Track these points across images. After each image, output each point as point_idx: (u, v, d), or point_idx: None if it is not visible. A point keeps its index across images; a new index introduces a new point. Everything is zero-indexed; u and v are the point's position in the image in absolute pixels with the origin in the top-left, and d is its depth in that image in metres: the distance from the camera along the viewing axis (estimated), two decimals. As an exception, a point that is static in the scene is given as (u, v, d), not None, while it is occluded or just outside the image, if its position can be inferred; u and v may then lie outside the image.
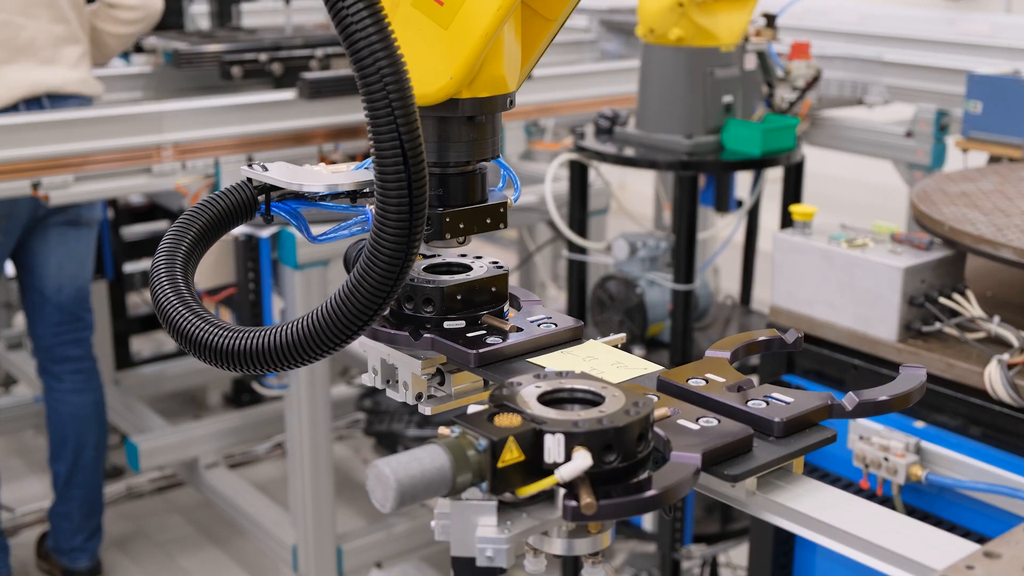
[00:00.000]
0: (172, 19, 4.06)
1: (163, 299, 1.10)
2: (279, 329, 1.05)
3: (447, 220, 1.21)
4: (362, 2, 0.94)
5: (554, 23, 1.22)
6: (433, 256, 1.30)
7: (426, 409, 1.24)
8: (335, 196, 1.19)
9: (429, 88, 1.14)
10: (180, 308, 1.09)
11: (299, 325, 1.04)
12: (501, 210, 1.26)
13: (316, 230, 1.24)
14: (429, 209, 1.14)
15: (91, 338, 3.58)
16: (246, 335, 1.05)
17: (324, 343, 1.04)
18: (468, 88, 1.16)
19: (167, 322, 1.09)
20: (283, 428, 3.59)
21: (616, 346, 1.29)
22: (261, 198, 1.19)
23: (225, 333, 1.06)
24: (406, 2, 1.12)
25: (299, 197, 1.19)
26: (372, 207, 1.08)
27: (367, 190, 1.20)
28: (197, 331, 1.07)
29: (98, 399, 3.58)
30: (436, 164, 1.20)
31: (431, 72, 1.13)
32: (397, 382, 1.25)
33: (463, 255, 1.30)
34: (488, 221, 1.24)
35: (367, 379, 1.27)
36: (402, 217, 0.99)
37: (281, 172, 1.18)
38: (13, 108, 3.10)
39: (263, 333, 1.05)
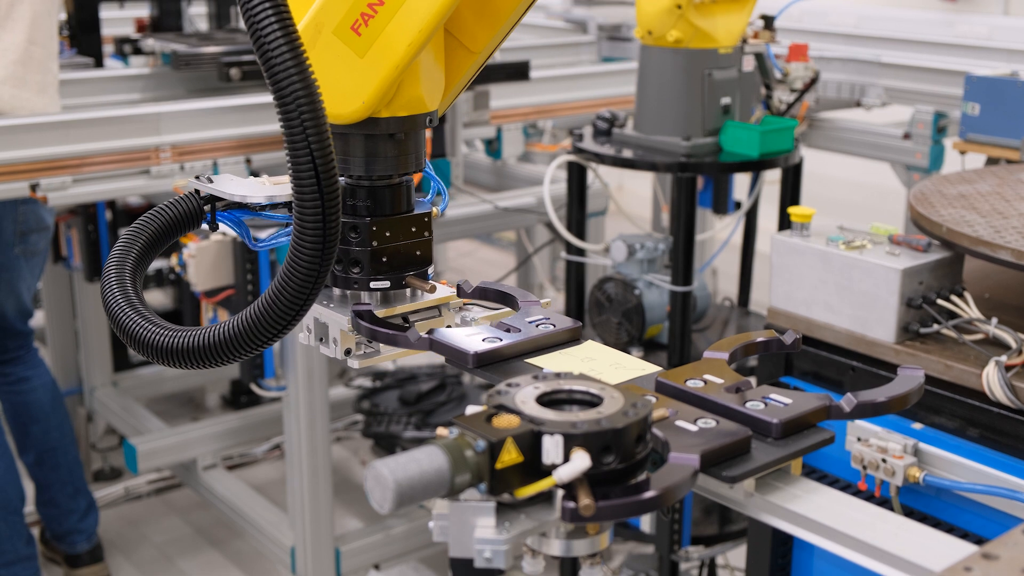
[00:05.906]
0: (170, 21, 4.05)
1: (112, 303, 1.19)
2: (211, 330, 1.14)
3: (374, 228, 1.28)
4: (280, 31, 1.01)
5: (478, 55, 1.28)
6: None
7: (354, 363, 1.31)
8: (275, 207, 1.29)
9: (343, 110, 1.22)
10: (128, 310, 1.18)
11: (227, 328, 1.13)
12: (426, 219, 1.33)
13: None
14: (358, 219, 1.26)
15: (30, 335, 3.58)
16: (183, 335, 1.15)
17: (251, 342, 1.13)
18: (387, 108, 1.23)
19: (116, 323, 1.19)
20: (281, 430, 3.59)
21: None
22: (207, 208, 1.28)
23: (165, 333, 1.16)
24: (328, 30, 1.19)
25: (242, 207, 1.29)
26: None
27: None
28: (142, 331, 1.17)
29: (45, 383, 3.58)
30: (364, 177, 1.28)
31: (346, 95, 1.21)
32: (328, 338, 1.31)
33: None
34: (413, 230, 1.31)
35: (302, 338, 1.35)
36: (317, 226, 1.07)
37: (225, 184, 1.28)
38: None
39: (197, 333, 1.15)
